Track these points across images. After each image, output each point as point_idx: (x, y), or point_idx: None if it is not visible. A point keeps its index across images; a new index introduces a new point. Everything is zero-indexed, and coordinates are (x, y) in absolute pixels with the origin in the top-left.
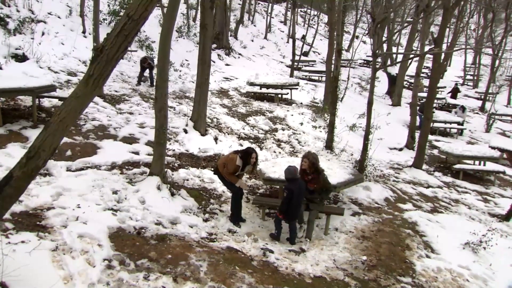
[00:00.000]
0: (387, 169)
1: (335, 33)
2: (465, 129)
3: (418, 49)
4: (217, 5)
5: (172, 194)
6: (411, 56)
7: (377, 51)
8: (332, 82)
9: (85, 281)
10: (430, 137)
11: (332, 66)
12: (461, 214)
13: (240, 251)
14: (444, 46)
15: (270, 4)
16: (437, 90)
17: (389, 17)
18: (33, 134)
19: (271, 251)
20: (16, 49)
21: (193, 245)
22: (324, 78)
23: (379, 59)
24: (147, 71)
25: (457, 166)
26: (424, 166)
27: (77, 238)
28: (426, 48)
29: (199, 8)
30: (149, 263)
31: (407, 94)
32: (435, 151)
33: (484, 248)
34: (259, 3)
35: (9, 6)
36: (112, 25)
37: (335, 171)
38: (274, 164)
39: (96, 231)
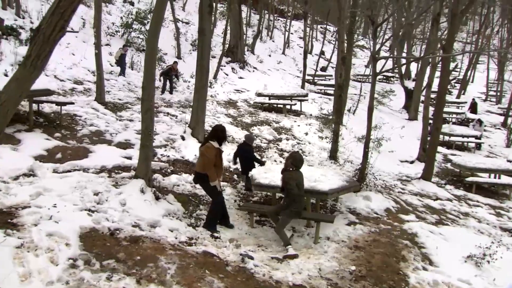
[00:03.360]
0: (394, 181)
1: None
2: (483, 143)
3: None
4: (228, 16)
5: (157, 198)
6: (413, 61)
7: (376, 55)
8: (336, 91)
9: (44, 279)
10: (446, 151)
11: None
12: (469, 227)
13: (216, 256)
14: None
15: (289, 20)
16: (457, 105)
17: (411, 29)
18: (26, 137)
19: (251, 257)
20: (23, 57)
21: (166, 248)
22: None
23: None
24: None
25: (470, 179)
26: (436, 179)
27: (46, 237)
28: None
29: (216, 24)
30: (115, 264)
31: None
32: (449, 165)
33: (488, 261)
34: (278, 19)
35: (23, 18)
36: (125, 37)
37: (328, 177)
38: (267, 170)
39: (67, 230)
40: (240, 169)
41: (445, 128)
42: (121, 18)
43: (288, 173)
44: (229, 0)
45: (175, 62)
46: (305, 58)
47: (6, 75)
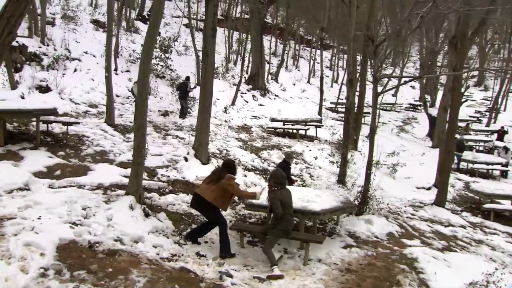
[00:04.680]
0: (405, 206)
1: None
2: (509, 170)
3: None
4: (246, 44)
5: (147, 215)
6: (412, 80)
7: (377, 75)
8: (344, 114)
9: (10, 286)
10: (468, 178)
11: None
12: (480, 255)
13: (192, 272)
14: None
15: (314, 50)
16: (486, 133)
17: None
18: (29, 155)
19: (230, 275)
20: (41, 81)
21: (142, 262)
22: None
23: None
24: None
25: (487, 205)
26: (452, 206)
27: (23, 246)
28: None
29: (240, 53)
30: (86, 275)
31: None
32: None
33: None
34: (304, 49)
35: (47, 45)
36: None
37: (323, 198)
38: (263, 191)
39: (45, 241)
40: None
41: (468, 155)
42: (142, 45)
43: (273, 193)
44: (248, 28)
45: (187, 77)
46: (321, 84)
47: (22, 97)
